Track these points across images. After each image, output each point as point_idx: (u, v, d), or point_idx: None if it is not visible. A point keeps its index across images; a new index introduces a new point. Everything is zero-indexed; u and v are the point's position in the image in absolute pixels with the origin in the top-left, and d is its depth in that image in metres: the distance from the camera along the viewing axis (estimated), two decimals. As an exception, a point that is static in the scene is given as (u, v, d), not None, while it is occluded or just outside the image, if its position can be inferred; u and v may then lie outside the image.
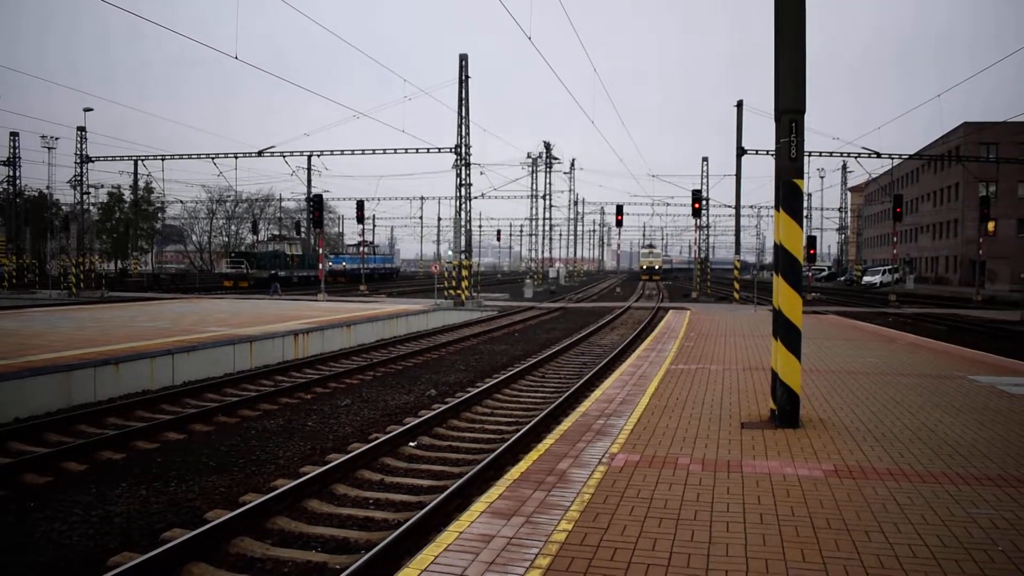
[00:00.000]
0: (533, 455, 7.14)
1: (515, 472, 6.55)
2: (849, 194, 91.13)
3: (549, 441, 7.69)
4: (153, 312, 25.46)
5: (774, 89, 8.43)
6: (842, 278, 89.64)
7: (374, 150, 42.12)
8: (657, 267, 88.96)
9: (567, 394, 12.76)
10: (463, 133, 37.28)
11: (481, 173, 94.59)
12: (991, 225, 44.65)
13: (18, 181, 55.46)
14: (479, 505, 5.63)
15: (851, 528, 5.19)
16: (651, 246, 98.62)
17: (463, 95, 37.02)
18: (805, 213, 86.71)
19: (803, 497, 5.87)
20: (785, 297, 8.31)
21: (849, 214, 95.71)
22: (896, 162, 55.81)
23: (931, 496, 5.92)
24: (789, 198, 8.32)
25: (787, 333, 8.28)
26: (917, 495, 5.94)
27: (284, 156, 42.36)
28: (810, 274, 58.85)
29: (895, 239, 53.27)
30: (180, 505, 7.63)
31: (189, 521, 7.11)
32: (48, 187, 72.24)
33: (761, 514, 5.46)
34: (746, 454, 7.20)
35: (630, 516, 5.40)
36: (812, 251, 49.39)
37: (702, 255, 53.88)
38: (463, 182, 37.86)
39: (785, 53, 8.30)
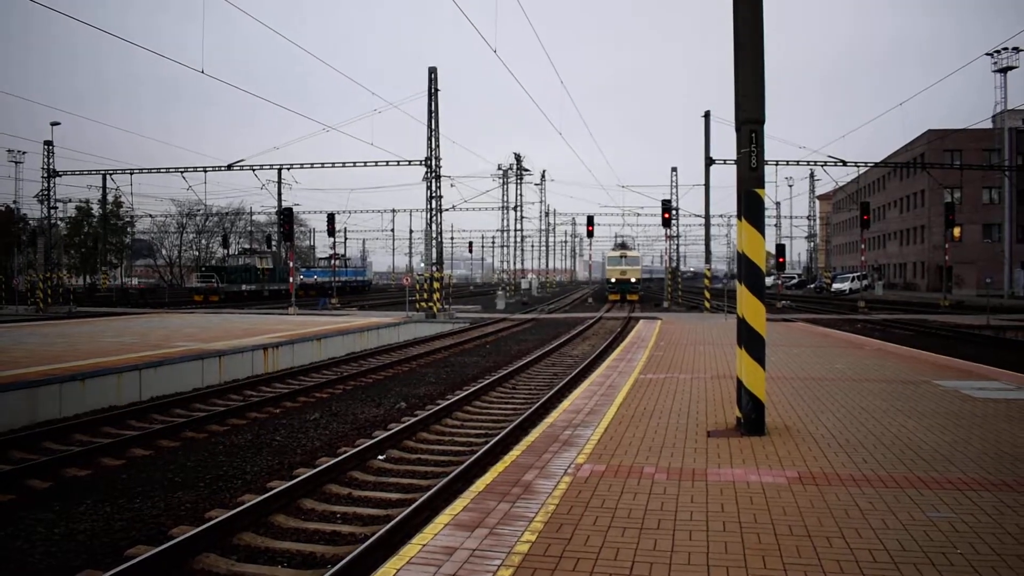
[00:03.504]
0: (499, 467, 7.14)
1: (480, 484, 6.55)
2: (817, 202, 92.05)
3: (515, 452, 7.70)
4: (121, 327, 25.20)
5: (734, 100, 8.54)
6: (812, 285, 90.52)
7: (344, 163, 42.12)
8: (634, 279, 58.11)
9: (536, 405, 12.79)
10: (433, 145, 37.31)
11: (452, 185, 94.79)
12: (957, 231, 45.45)
13: (-17, 196, 54.78)
14: (443, 518, 5.63)
15: (813, 534, 5.24)
16: (623, 246, 63.98)
17: (433, 108, 37.06)
18: (774, 222, 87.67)
19: (766, 504, 5.92)
20: (748, 305, 8.39)
21: (818, 222, 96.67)
22: (862, 170, 56.55)
23: (892, 501, 5.99)
24: (751, 207, 8.41)
25: (751, 341, 8.36)
26: (879, 500, 6.01)
27: (254, 169, 42.20)
28: (780, 282, 59.44)
29: (863, 246, 53.85)
30: (145, 522, 7.56)
31: (154, 537, 7.04)
32: (15, 201, 71.57)
33: (724, 522, 5.50)
34: (711, 462, 7.25)
35: (594, 526, 5.43)
36: (781, 259, 49.74)
37: (673, 265, 54.17)
38: (434, 194, 37.87)
39: (744, 66, 8.41)
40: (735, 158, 8.64)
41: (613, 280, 59.20)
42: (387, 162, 40.27)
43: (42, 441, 11.02)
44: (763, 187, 8.50)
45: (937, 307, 44.02)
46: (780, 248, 51.73)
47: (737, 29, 8.48)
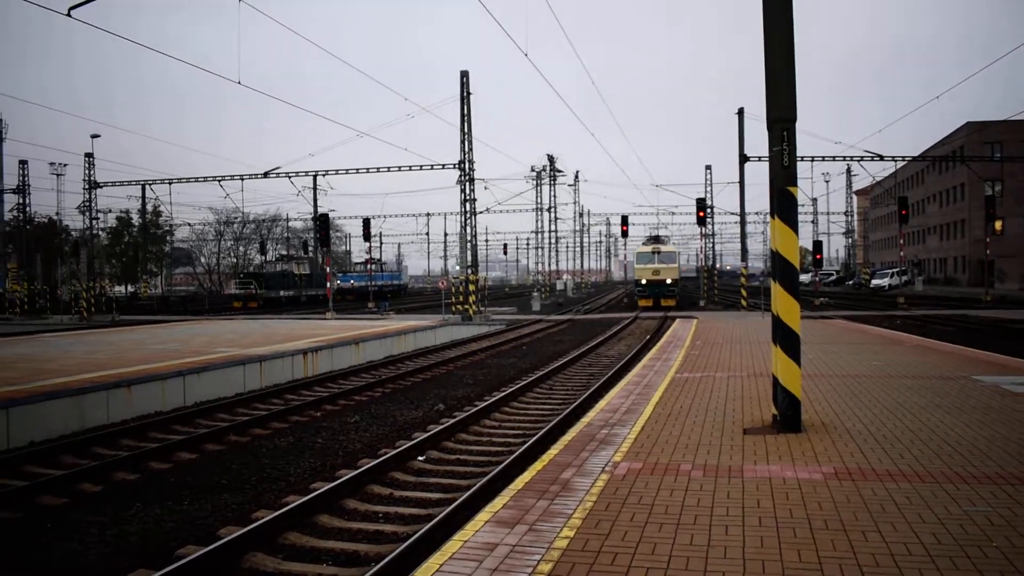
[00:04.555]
0: (537, 465, 7.27)
1: (519, 482, 6.68)
2: (855, 197, 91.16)
3: (553, 451, 7.82)
4: (163, 334, 25.68)
5: (766, 99, 8.58)
6: (850, 282, 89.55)
7: (379, 168, 42.36)
8: (670, 280, 45.57)
9: (574, 405, 12.89)
10: (466, 149, 37.55)
11: (485, 188, 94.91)
12: (998, 224, 44.79)
13: (28, 208, 56.08)
14: (483, 515, 5.77)
15: (848, 528, 5.30)
16: (656, 239, 51.68)
17: (465, 111, 37.30)
18: (811, 218, 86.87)
19: (802, 499, 5.98)
20: (782, 303, 8.43)
21: (855, 217, 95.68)
22: (899, 164, 55.87)
23: (928, 495, 6.02)
24: (783, 205, 8.46)
25: (786, 338, 8.40)
26: (915, 495, 6.04)
27: (290, 176, 42.75)
28: (817, 279, 58.84)
29: (901, 241, 53.24)
30: (194, 523, 7.79)
31: (203, 538, 7.25)
32: (57, 213, 72.96)
33: (760, 517, 5.58)
34: (747, 459, 7.32)
35: (631, 522, 5.53)
36: (819, 256, 49.33)
37: (708, 263, 53.91)
38: (467, 197, 38.09)
39: (775, 64, 8.46)
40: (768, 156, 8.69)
41: (644, 282, 45.68)
42: (420, 166, 40.62)
43: (92, 446, 11.32)
44: (796, 185, 8.54)
45: (979, 302, 43.40)
46: (817, 245, 51.30)
47: (767, 28, 8.53)
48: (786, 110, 8.45)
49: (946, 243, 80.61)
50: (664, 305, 44.15)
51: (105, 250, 71.19)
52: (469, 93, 37.36)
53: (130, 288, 76.67)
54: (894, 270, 69.50)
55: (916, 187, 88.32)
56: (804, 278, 76.07)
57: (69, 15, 17.59)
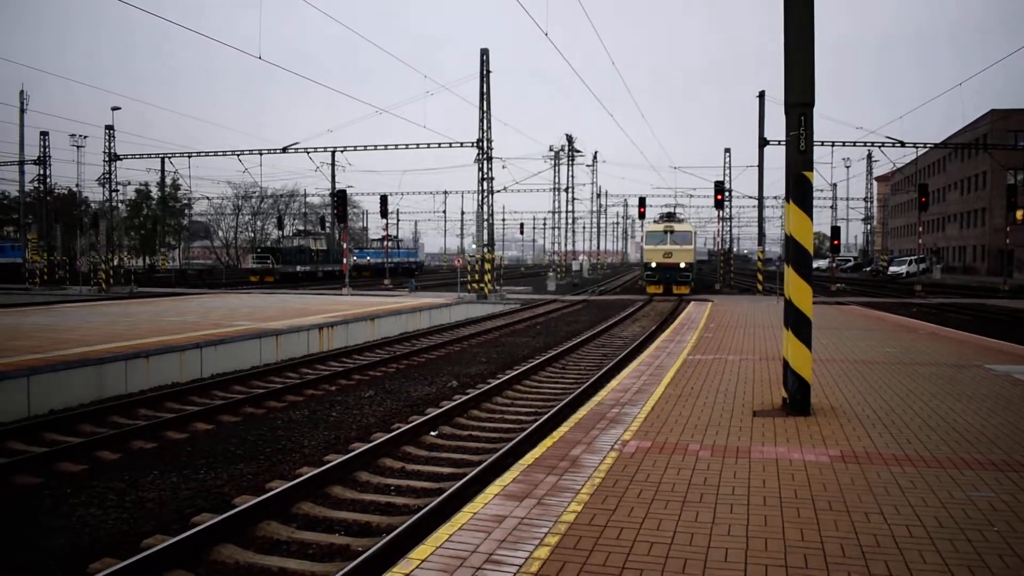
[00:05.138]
0: (547, 442, 7.37)
1: (529, 458, 6.79)
2: (875, 183, 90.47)
3: (564, 429, 7.92)
4: (181, 307, 25.93)
5: (784, 83, 8.59)
6: (868, 268, 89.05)
7: (396, 145, 42.31)
8: (684, 264, 39.55)
9: (586, 385, 12.98)
10: (484, 127, 37.51)
11: (503, 167, 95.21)
12: (1019, 213, 44.13)
13: (48, 179, 56.38)
14: (493, 488, 5.88)
15: (851, 510, 5.38)
16: (670, 217, 44.85)
17: (484, 89, 37.23)
18: (830, 203, 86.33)
19: (807, 481, 6.06)
20: (795, 287, 8.48)
21: (875, 203, 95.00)
22: (921, 151, 55.44)
23: (933, 480, 6.09)
24: (799, 190, 8.48)
25: (797, 322, 8.46)
26: (920, 479, 6.11)
27: (308, 152, 42.82)
28: (835, 265, 58.53)
29: (920, 229, 52.90)
30: (209, 491, 7.95)
31: (218, 506, 7.41)
32: (77, 185, 73.27)
33: (765, 496, 5.66)
34: (755, 440, 7.40)
35: (638, 499, 5.63)
36: (836, 242, 49.06)
37: (725, 246, 53.77)
38: (485, 176, 38.10)
39: (794, 48, 8.46)
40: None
41: (654, 265, 39.87)
42: (439, 144, 40.56)
43: (110, 415, 11.51)
44: (812, 170, 8.56)
45: (997, 291, 43.14)
46: (835, 230, 50.98)
47: (787, 12, 8.52)
48: (804, 95, 8.46)
49: (966, 231, 79.98)
50: (677, 293, 38.63)
51: (124, 222, 71.73)
52: (489, 71, 37.26)
53: (148, 261, 77.18)
54: (912, 257, 69.03)
55: (937, 174, 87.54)
56: (822, 264, 75.83)
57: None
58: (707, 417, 8.46)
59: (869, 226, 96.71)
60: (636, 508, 5.42)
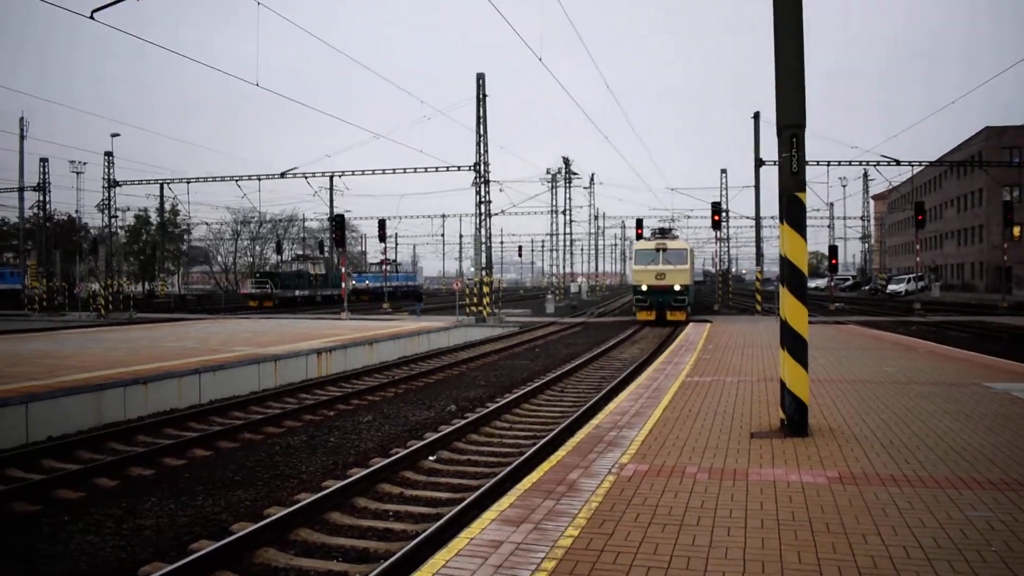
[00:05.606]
0: (545, 466, 7.37)
1: (527, 482, 6.78)
2: (872, 202, 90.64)
3: (561, 453, 7.92)
4: (180, 333, 25.93)
5: (776, 105, 8.65)
6: (867, 287, 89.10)
7: (394, 170, 42.43)
8: (679, 286, 34.61)
9: (584, 408, 12.97)
10: (481, 151, 37.67)
11: (500, 190, 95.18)
12: (1016, 230, 44.24)
13: (48, 206, 56.50)
14: (490, 513, 5.88)
15: (849, 532, 5.37)
16: (662, 233, 38.08)
17: (481, 113, 37.42)
18: (827, 223, 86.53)
19: (805, 503, 6.05)
20: (790, 308, 8.50)
21: (872, 222, 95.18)
22: (917, 169, 55.65)
23: (931, 500, 6.08)
24: (792, 211, 8.52)
25: (793, 343, 8.47)
26: (917, 499, 6.10)
27: (306, 177, 43.00)
28: (833, 284, 58.59)
29: (917, 247, 52.99)
30: (207, 518, 7.93)
31: (216, 533, 7.39)
32: (77, 211, 73.43)
33: (762, 519, 5.66)
34: (753, 462, 7.39)
35: (635, 522, 5.62)
36: (834, 261, 49.13)
37: (723, 267, 53.87)
38: (482, 199, 38.22)
39: (785, 70, 8.53)
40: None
41: (644, 288, 34.72)
42: (436, 168, 40.72)
43: (108, 442, 11.50)
44: (804, 191, 8.61)
45: (996, 308, 43.17)
46: (833, 249, 51.02)
47: (777, 35, 8.60)
48: (795, 116, 8.52)
49: (963, 249, 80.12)
50: (671, 319, 34.20)
51: (123, 248, 71.82)
52: (485, 95, 37.48)
53: (147, 286, 77.19)
54: (911, 275, 69.10)
55: (934, 192, 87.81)
56: (820, 283, 75.88)
57: (92, 17, 17.83)
58: (705, 439, 8.46)
59: (867, 244, 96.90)
60: (633, 532, 5.41)
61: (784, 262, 8.61)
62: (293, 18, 62.59)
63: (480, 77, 37.50)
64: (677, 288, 34.19)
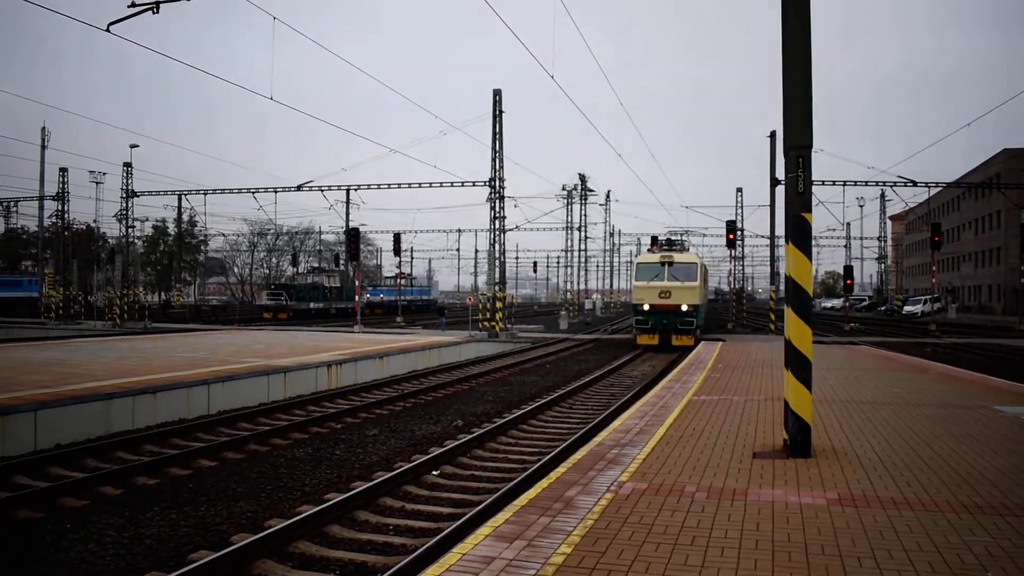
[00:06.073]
0: (544, 483, 7.36)
1: (524, 499, 6.78)
2: (889, 223, 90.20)
3: (561, 470, 7.91)
4: (193, 343, 26.06)
5: (783, 126, 8.67)
6: (882, 308, 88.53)
7: (409, 184, 42.64)
8: (686, 306, 29.89)
9: (591, 425, 12.96)
10: (497, 166, 37.76)
11: (515, 206, 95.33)
12: (1033, 253, 43.94)
13: (66, 215, 56.99)
14: (484, 529, 5.88)
15: (844, 554, 5.34)
16: (668, 245, 33.90)
17: (497, 129, 37.54)
18: (844, 243, 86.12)
19: (802, 524, 6.02)
20: (795, 328, 8.48)
21: (889, 242, 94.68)
22: (934, 190, 55.38)
23: (930, 524, 6.04)
24: (798, 232, 8.52)
25: (797, 363, 8.45)
26: (916, 523, 6.06)
27: (322, 190, 43.23)
28: (848, 304, 58.22)
29: (934, 268, 52.70)
30: (208, 528, 7.96)
31: (216, 544, 7.43)
32: (95, 220, 73.95)
33: (757, 540, 5.63)
34: (753, 483, 7.36)
35: (629, 541, 5.61)
36: (850, 281, 48.80)
37: (737, 286, 53.68)
38: (497, 215, 38.29)
39: (792, 91, 8.55)
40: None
41: (646, 307, 30.56)
42: (451, 183, 40.87)
43: (115, 451, 11.57)
44: (810, 211, 8.60)
45: (1012, 331, 42.80)
46: (848, 269, 50.74)
47: (785, 57, 8.62)
48: (802, 137, 8.53)
49: (981, 271, 79.54)
50: (677, 344, 29.81)
51: (140, 258, 72.29)
52: (501, 112, 37.60)
53: (163, 296, 77.60)
54: (927, 297, 68.61)
55: (951, 213, 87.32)
56: (836, 303, 75.34)
57: (108, 31, 18.05)
58: (707, 459, 8.43)
59: (883, 265, 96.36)
60: (626, 550, 5.40)
61: (789, 282, 8.59)
62: (308, 33, 63.06)
63: (496, 93, 37.63)
64: (684, 308, 30.02)
